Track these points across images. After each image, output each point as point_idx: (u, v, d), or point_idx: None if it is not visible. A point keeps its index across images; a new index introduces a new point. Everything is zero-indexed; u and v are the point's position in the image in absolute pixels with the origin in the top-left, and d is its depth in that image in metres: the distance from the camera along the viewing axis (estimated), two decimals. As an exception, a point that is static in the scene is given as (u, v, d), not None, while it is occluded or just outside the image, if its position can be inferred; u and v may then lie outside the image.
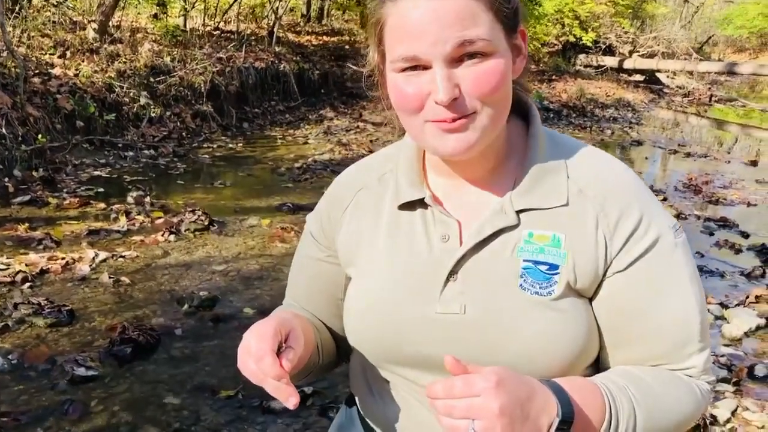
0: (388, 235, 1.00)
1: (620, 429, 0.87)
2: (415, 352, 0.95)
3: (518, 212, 0.92)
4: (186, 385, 2.91)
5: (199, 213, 4.99)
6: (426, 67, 0.85)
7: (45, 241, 4.39)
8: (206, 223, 4.91)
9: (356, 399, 1.13)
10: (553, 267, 0.90)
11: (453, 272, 0.93)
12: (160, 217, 5.06)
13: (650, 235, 0.91)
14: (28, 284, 3.77)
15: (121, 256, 4.26)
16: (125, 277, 3.95)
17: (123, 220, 4.95)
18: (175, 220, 4.96)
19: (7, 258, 4.04)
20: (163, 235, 4.67)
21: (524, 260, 0.91)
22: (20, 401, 2.72)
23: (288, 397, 0.85)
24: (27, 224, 4.65)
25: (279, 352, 0.87)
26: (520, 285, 0.91)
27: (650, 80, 18.29)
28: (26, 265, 3.97)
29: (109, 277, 3.90)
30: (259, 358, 0.85)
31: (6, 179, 5.53)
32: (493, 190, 0.96)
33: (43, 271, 3.94)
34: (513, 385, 0.79)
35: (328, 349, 1.12)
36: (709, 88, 18.46)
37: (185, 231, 4.79)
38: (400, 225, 0.99)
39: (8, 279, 3.79)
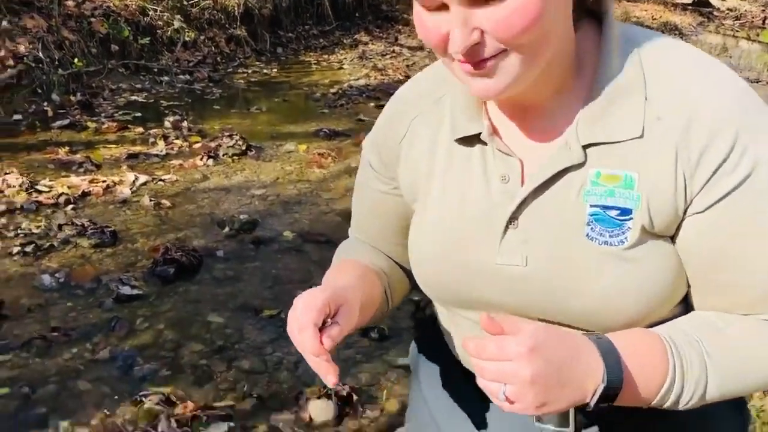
0: (444, 172, 0.89)
1: (686, 391, 0.77)
2: (475, 298, 0.89)
3: (585, 147, 0.78)
4: (229, 305, 2.94)
5: (237, 138, 4.95)
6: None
7: (85, 164, 4.42)
8: (243, 148, 4.88)
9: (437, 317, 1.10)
10: (625, 212, 0.78)
11: (513, 218, 0.83)
12: (197, 142, 5.05)
13: (742, 167, 0.74)
14: (71, 206, 3.81)
15: (161, 180, 4.28)
16: (165, 200, 3.98)
17: (161, 144, 4.95)
18: (212, 144, 4.93)
19: (50, 180, 4.09)
20: (201, 160, 4.66)
21: (591, 205, 0.79)
22: (69, 318, 2.79)
23: (326, 375, 0.80)
24: (67, 148, 4.68)
25: (324, 326, 0.82)
26: (587, 234, 0.79)
27: (699, 2, 17.43)
28: (68, 187, 4.01)
29: (150, 200, 3.93)
30: (301, 329, 0.80)
31: (45, 103, 5.54)
32: (558, 117, 0.82)
33: (85, 194, 3.98)
34: (551, 349, 0.72)
35: (400, 289, 1.07)
36: (763, 11, 17.54)
37: (223, 156, 4.77)
38: (457, 161, 0.88)
39: (52, 201, 3.84)
